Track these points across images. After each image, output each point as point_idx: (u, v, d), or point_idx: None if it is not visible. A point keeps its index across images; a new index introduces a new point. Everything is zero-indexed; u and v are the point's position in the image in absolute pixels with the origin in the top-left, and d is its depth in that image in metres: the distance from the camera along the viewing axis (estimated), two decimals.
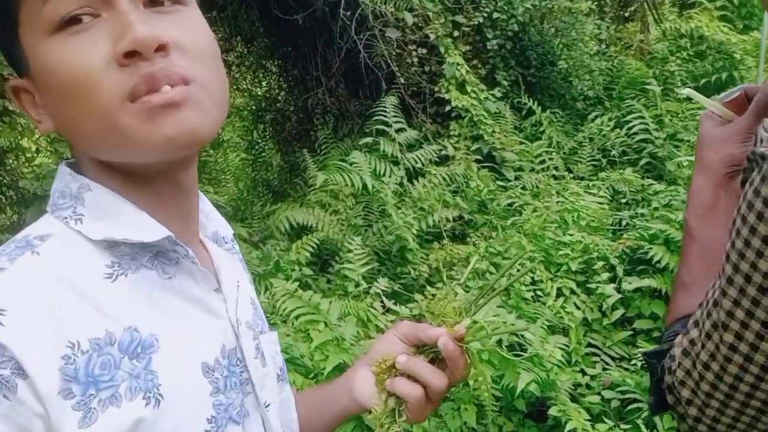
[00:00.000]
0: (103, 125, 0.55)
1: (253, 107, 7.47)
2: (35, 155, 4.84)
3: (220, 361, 0.64)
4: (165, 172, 0.62)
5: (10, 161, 4.51)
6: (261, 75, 7.33)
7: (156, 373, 0.57)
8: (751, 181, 0.62)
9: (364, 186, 3.88)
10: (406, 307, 3.23)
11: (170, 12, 0.57)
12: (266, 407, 0.69)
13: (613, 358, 2.70)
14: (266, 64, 7.19)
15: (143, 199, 0.61)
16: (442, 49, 5.09)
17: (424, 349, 0.77)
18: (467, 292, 3.26)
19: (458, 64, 5.00)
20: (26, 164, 4.66)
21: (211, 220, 0.74)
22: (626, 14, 7.22)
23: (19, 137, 4.64)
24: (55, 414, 0.52)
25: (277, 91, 7.25)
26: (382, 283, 3.32)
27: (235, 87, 7.28)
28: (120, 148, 0.57)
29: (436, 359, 0.76)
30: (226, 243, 0.75)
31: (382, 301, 3.25)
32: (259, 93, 7.32)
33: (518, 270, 3.09)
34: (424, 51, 5.16)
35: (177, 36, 0.56)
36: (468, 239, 3.92)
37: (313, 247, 3.92)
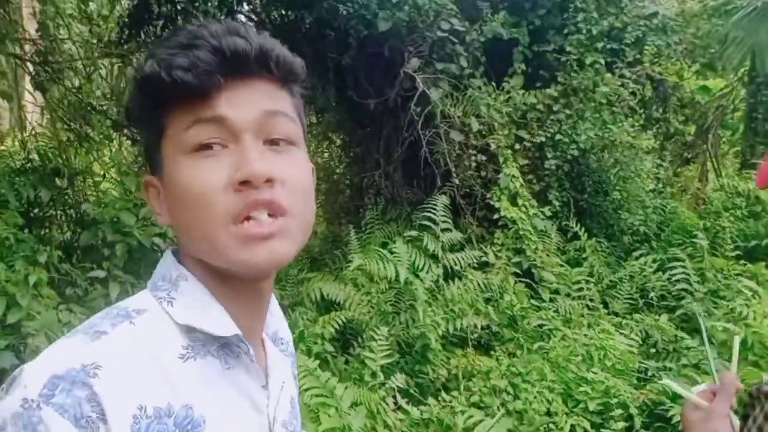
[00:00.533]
0: (208, 237, 0.67)
1: None
2: (102, 179, 5.09)
3: None
4: (249, 280, 0.73)
5: (78, 182, 4.77)
6: (325, 146, 7.61)
7: None
8: (754, 418, 0.69)
9: (398, 276, 3.97)
10: (417, 409, 3.23)
11: (283, 152, 0.70)
12: None
13: None
14: (332, 136, 7.50)
15: (225, 294, 0.72)
16: (500, 159, 5.25)
17: None
18: (483, 408, 3.25)
19: (514, 176, 5.13)
20: (92, 188, 4.92)
21: (275, 321, 0.84)
22: (688, 155, 7.31)
23: (93, 161, 4.93)
24: None
25: (336, 163, 7.51)
26: (399, 380, 3.33)
27: None
28: (216, 259, 0.69)
29: None
30: (282, 344, 0.85)
31: (395, 398, 3.27)
32: (319, 161, 7.58)
33: (536, 397, 3.08)
34: (484, 158, 5.33)
35: (284, 173, 0.69)
36: (492, 352, 3.91)
37: (339, 324, 3.97)
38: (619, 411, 2.84)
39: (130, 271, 3.72)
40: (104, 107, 5.43)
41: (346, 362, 3.88)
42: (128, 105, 0.73)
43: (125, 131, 5.41)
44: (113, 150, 5.28)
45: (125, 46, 5.54)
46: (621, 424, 2.77)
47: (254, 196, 0.66)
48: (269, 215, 0.67)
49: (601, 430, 2.85)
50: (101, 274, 3.59)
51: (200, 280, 0.71)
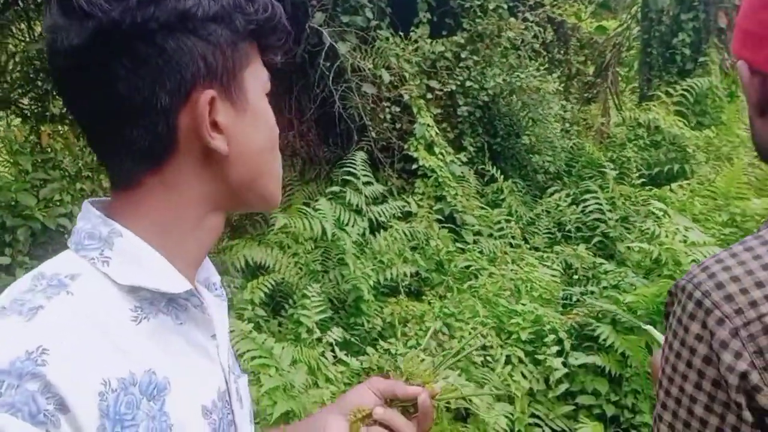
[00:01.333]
0: (274, 174, 0.73)
1: None
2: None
3: (216, 403, 0.69)
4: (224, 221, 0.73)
5: None
6: None
7: (168, 414, 0.62)
8: (673, 312, 0.72)
9: (324, 232, 3.94)
10: (357, 360, 3.25)
11: None
12: None
13: (554, 431, 2.77)
14: None
15: (171, 249, 0.67)
16: (414, 109, 5.26)
17: (394, 403, 0.85)
18: (426, 354, 3.31)
19: (428, 125, 5.16)
20: None
21: (204, 267, 0.78)
22: (589, 96, 7.62)
23: None
24: None
25: None
26: (336, 333, 3.33)
27: None
28: (269, 196, 0.73)
29: (406, 412, 0.85)
30: (216, 289, 0.80)
31: (333, 351, 3.27)
32: None
33: (470, 334, 3.17)
34: (398, 109, 5.32)
35: None
36: (423, 297, 3.98)
37: (268, 288, 3.91)
38: (551, 337, 2.96)
39: (36, 256, 3.49)
40: None
41: (279, 324, 3.85)
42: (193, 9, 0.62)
43: (12, 107, 5.00)
44: (1, 129, 4.88)
45: (4, 15, 5.08)
46: (553, 348, 2.90)
47: None
48: None
49: (535, 356, 2.98)
50: (5, 261, 3.34)
51: (140, 234, 0.65)
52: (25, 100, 4.99)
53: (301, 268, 4.21)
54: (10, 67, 4.95)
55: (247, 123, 0.68)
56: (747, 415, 0.65)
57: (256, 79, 0.69)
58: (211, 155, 0.66)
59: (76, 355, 0.56)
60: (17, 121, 5.19)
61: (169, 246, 0.67)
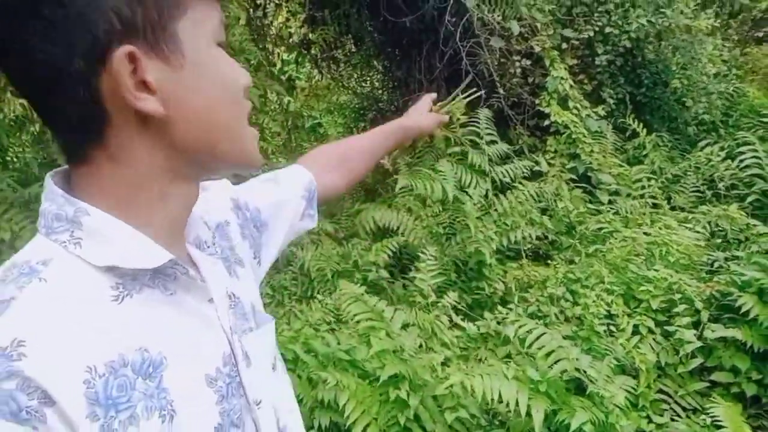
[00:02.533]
0: (238, 134, 0.67)
1: (356, 105, 7.60)
2: None
3: (221, 369, 0.67)
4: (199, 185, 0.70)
5: None
6: (367, 74, 7.44)
7: (167, 390, 0.60)
8: None
9: (445, 194, 3.86)
10: (474, 324, 3.18)
11: None
12: (258, 405, 0.71)
13: (684, 409, 2.52)
14: (373, 63, 7.29)
15: (142, 223, 0.63)
16: (547, 62, 4.94)
17: None
18: (541, 317, 3.16)
19: (563, 78, 4.83)
20: None
21: (192, 225, 0.75)
22: (759, 35, 6.68)
23: None
24: None
25: (381, 91, 7.34)
26: (452, 297, 3.28)
27: (341, 84, 7.44)
28: (234, 156, 0.67)
29: None
30: (208, 247, 0.77)
31: (449, 316, 3.22)
32: (363, 92, 7.43)
33: (594, 302, 2.96)
34: (529, 62, 5.04)
35: None
36: (550, 261, 3.79)
37: (393, 250, 3.94)
38: (684, 306, 2.68)
39: None
40: None
41: (404, 287, 3.87)
42: None
43: None
44: None
45: None
46: (687, 319, 2.62)
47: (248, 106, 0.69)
48: None
49: (666, 327, 2.71)
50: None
51: (106, 208, 0.62)
52: None
53: (425, 231, 4.19)
54: None
55: (187, 79, 0.61)
56: None
57: (198, 28, 0.62)
58: (149, 120, 0.60)
59: (55, 343, 0.54)
60: None
61: (139, 220, 0.63)
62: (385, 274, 3.89)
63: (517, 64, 5.02)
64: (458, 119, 1.56)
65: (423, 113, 1.38)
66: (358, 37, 6.87)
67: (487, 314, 3.25)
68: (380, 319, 2.82)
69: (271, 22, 6.44)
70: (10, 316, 0.54)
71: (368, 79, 7.42)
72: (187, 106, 0.62)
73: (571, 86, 4.82)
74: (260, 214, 0.90)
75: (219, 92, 0.64)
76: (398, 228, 4.19)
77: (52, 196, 0.63)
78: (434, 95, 1.47)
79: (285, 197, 0.96)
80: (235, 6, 4.33)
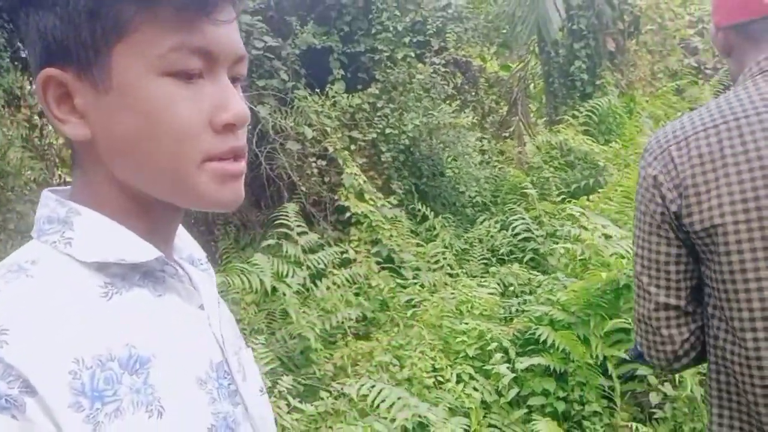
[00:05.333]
0: (178, 172, 0.60)
1: None
2: None
3: (209, 374, 0.66)
4: (180, 208, 0.66)
5: None
6: None
7: (154, 387, 0.59)
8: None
9: (265, 291, 3.93)
10: (312, 405, 3.22)
11: (236, 90, 0.64)
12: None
13: None
14: None
15: (136, 226, 0.63)
16: (340, 161, 5.40)
17: None
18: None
19: (356, 174, 5.31)
20: None
21: (186, 243, 0.76)
22: (505, 134, 8.01)
23: None
24: (68, 427, 0.52)
25: None
26: (287, 381, 3.30)
27: None
28: (178, 194, 0.62)
29: None
30: (202, 264, 0.76)
31: (286, 399, 3.22)
32: None
33: (419, 359, 3.21)
34: (324, 163, 5.46)
35: None
36: (371, 336, 4.01)
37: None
38: (494, 345, 3.04)
39: None
40: None
41: None
42: None
43: None
44: None
45: None
46: (499, 355, 2.97)
47: (233, 143, 0.61)
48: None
49: (484, 369, 3.04)
50: None
51: (103, 213, 0.62)
52: None
53: (245, 331, 4.17)
54: None
55: (110, 105, 0.59)
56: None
57: (138, 54, 0.58)
58: (87, 143, 0.61)
59: (39, 333, 0.53)
60: None
61: (129, 224, 0.63)
62: None
63: (314, 164, 5.40)
64: None
65: None
66: None
67: (322, 393, 3.32)
68: None
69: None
70: None
71: None
72: (110, 133, 0.60)
73: (364, 181, 5.31)
74: None
75: (143, 123, 0.59)
76: None
77: (46, 202, 0.64)
78: None
79: None
80: None
